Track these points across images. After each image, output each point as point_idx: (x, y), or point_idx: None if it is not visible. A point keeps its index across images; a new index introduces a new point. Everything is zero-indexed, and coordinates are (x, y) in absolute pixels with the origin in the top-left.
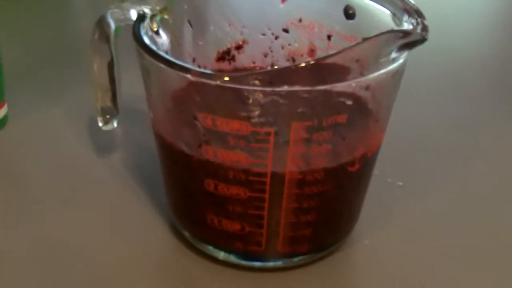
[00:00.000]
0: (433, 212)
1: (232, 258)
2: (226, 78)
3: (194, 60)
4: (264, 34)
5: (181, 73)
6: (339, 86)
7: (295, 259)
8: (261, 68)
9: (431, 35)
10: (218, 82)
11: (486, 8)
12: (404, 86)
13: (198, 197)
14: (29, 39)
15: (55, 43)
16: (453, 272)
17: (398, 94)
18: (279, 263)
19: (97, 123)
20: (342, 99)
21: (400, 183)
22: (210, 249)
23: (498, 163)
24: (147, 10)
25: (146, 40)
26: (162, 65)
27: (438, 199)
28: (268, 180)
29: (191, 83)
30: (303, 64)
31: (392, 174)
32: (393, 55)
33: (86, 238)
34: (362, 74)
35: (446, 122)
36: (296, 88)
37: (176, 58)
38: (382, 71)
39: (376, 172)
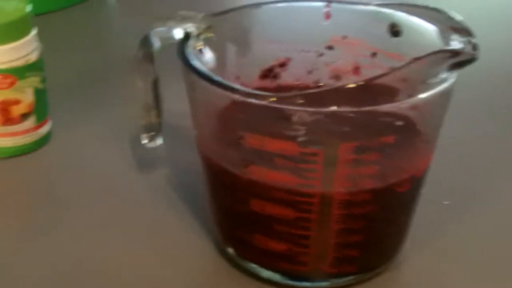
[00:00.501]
0: (480, 231)
1: (277, 278)
2: (273, 99)
3: (237, 78)
4: (307, 52)
5: (228, 93)
6: (388, 107)
7: (342, 280)
8: (304, 85)
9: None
10: (265, 103)
11: None
12: (451, 103)
13: (244, 216)
14: (72, 55)
15: (99, 60)
16: None
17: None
18: (325, 284)
19: (139, 140)
20: (390, 120)
21: (447, 202)
22: (255, 268)
23: None
24: (192, 29)
25: (192, 59)
26: (209, 85)
27: (485, 218)
28: (315, 200)
29: (236, 102)
30: (352, 85)
31: (438, 193)
32: (443, 75)
33: (129, 257)
34: (410, 95)
35: (493, 140)
36: (345, 109)
37: (220, 76)
38: (431, 91)
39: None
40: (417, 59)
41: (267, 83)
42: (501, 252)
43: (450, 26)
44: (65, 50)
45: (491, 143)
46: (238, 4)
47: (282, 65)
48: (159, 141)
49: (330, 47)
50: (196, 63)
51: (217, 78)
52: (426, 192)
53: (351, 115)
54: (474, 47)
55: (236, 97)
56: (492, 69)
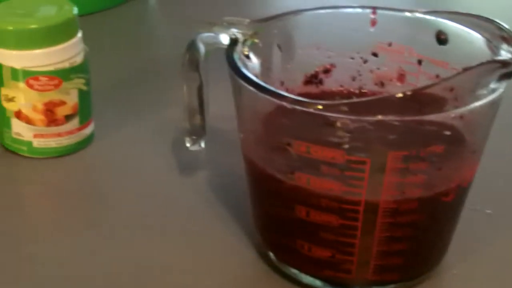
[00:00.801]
0: None
1: (318, 284)
2: (320, 107)
3: (282, 83)
4: (352, 58)
5: (276, 100)
6: (438, 117)
7: None
8: (348, 91)
9: None
10: (312, 110)
11: None
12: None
13: (288, 222)
14: (115, 57)
15: (142, 62)
16: None
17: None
18: None
19: (182, 143)
20: (438, 129)
21: (489, 211)
22: (296, 273)
23: None
24: (239, 35)
25: (240, 65)
26: (256, 91)
27: None
28: (361, 208)
29: (283, 108)
30: (400, 94)
31: (480, 202)
32: (492, 85)
33: (168, 258)
34: (457, 105)
35: None
36: (394, 118)
37: (265, 81)
38: (480, 102)
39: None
40: (466, 69)
41: (311, 88)
42: None
43: (499, 36)
44: (108, 51)
45: None
46: (282, 10)
47: (327, 71)
48: (202, 144)
49: (375, 54)
50: (243, 69)
51: (265, 84)
52: (469, 201)
53: (400, 124)
54: None
55: (284, 104)
56: None
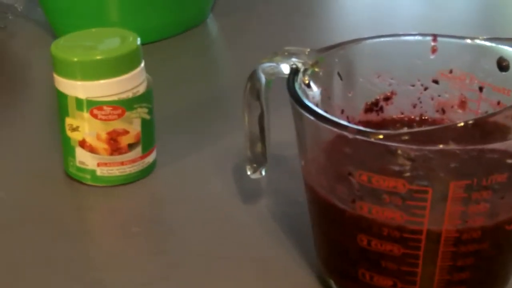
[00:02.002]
0: None
1: None
2: (381, 136)
3: (342, 111)
4: (413, 85)
5: (337, 130)
6: (499, 145)
7: None
8: (409, 119)
9: None
10: (373, 140)
11: None
12: None
13: (350, 251)
14: (178, 86)
15: (204, 91)
16: None
17: None
18: None
19: (244, 171)
20: (501, 157)
21: None
22: None
23: None
24: (299, 65)
25: (300, 94)
26: (317, 121)
27: None
28: (423, 237)
29: (344, 137)
30: (461, 124)
31: None
32: None
33: (229, 285)
34: None
35: None
36: (455, 147)
37: (326, 110)
38: None
39: None
40: None
41: (372, 116)
42: None
43: None
44: (170, 80)
45: None
46: (343, 39)
47: (387, 98)
48: (263, 172)
49: (435, 81)
50: (304, 99)
51: (325, 114)
52: None
53: (462, 152)
54: None
55: (345, 133)
56: None
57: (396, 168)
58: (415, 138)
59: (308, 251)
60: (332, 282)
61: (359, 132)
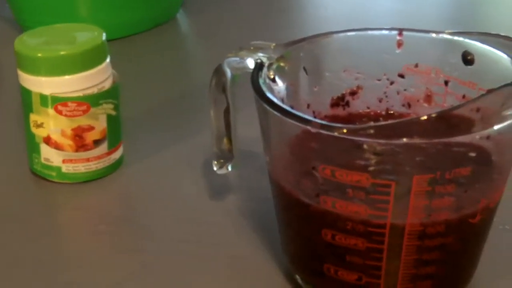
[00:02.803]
0: None
1: None
2: (345, 131)
3: (308, 106)
4: (379, 80)
5: (300, 124)
6: (464, 138)
7: None
8: (375, 113)
9: None
10: (337, 134)
11: None
12: None
13: (315, 246)
14: (147, 82)
15: (173, 88)
16: None
17: None
18: None
19: (211, 167)
20: (465, 150)
21: None
22: None
23: None
24: (264, 59)
25: (265, 89)
26: (281, 115)
27: None
28: (387, 231)
29: (309, 132)
30: (424, 117)
31: (509, 221)
32: None
33: (199, 282)
34: (484, 125)
35: None
36: (418, 141)
37: (292, 105)
38: (506, 123)
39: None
40: (491, 90)
41: (339, 111)
42: None
43: None
44: (139, 76)
45: None
46: (310, 33)
47: (354, 93)
48: (229, 168)
49: (401, 75)
50: (268, 93)
51: (288, 108)
52: (497, 221)
53: (426, 146)
54: None
55: (309, 129)
56: None
57: (360, 162)
58: (378, 133)
59: (276, 248)
60: (298, 278)
61: (322, 126)
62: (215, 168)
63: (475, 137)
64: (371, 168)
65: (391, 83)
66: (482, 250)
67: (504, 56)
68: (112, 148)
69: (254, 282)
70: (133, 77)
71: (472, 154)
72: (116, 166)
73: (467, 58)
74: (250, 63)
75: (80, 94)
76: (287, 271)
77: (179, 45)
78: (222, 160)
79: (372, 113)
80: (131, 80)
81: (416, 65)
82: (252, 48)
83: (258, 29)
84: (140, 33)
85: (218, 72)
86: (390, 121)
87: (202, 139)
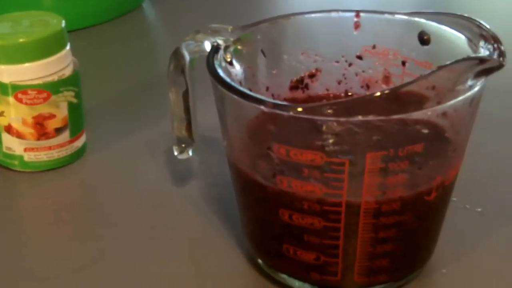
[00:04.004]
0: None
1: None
2: (300, 109)
3: (267, 89)
4: (337, 62)
5: (255, 105)
6: (415, 115)
7: None
8: (334, 95)
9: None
10: (291, 113)
11: None
12: (485, 111)
13: (273, 227)
14: (112, 71)
15: (138, 76)
16: None
17: (480, 119)
18: None
19: (174, 153)
20: (418, 128)
21: (479, 209)
22: (286, 279)
23: None
24: (221, 42)
25: (220, 71)
26: (236, 97)
27: None
28: (343, 210)
29: (264, 113)
30: (378, 94)
31: (470, 201)
32: (470, 82)
33: (162, 267)
34: (439, 102)
35: None
36: (371, 118)
37: (250, 88)
38: (459, 98)
39: (453, 198)
40: (443, 66)
41: (298, 94)
42: None
43: (479, 34)
44: (104, 65)
45: None
46: (270, 16)
47: (312, 75)
48: (190, 152)
49: (360, 57)
50: (222, 74)
51: (243, 89)
52: (458, 200)
53: (379, 124)
54: (501, 54)
55: (263, 108)
56: None
57: (314, 141)
58: (331, 111)
59: (239, 232)
60: (260, 261)
61: (276, 106)
62: (176, 153)
63: (427, 113)
64: (325, 147)
65: (350, 65)
66: (440, 228)
67: (460, 35)
68: (74, 136)
69: (217, 267)
70: (98, 66)
71: (425, 131)
72: (79, 154)
73: (424, 38)
74: (207, 46)
75: (40, 81)
76: (250, 255)
77: (145, 33)
78: (183, 145)
79: (331, 95)
80: (96, 69)
81: (374, 47)
82: (209, 31)
83: (225, 15)
84: (106, 22)
85: (176, 55)
86: (343, 99)
87: (165, 126)
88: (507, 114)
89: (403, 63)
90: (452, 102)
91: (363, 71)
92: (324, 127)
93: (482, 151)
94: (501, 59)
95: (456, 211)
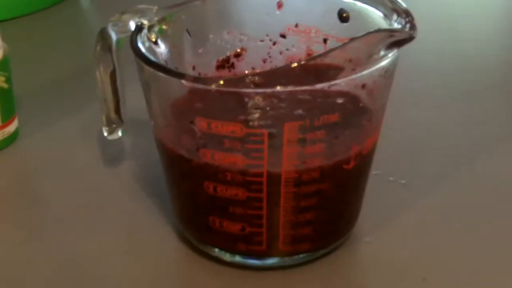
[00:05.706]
0: (434, 209)
1: (237, 259)
2: (221, 82)
3: (194, 68)
4: (262, 41)
5: (176, 79)
6: (331, 85)
7: (296, 257)
8: None
9: (436, 37)
10: (213, 86)
11: (492, 10)
12: (410, 85)
13: (200, 200)
14: (45, 58)
15: (71, 63)
16: (454, 269)
17: (404, 93)
18: (280, 262)
19: (104, 134)
20: (334, 98)
21: (403, 181)
22: (216, 252)
23: (502, 162)
24: (145, 21)
25: (143, 49)
26: (158, 72)
27: (440, 197)
28: (264, 180)
29: (187, 89)
30: (294, 64)
31: (394, 173)
32: (382, 53)
33: (94, 247)
34: (352, 72)
35: (451, 122)
36: (286, 88)
37: (177, 67)
38: (372, 68)
39: (378, 171)
40: (356, 38)
41: (224, 72)
42: (454, 230)
43: (392, 9)
44: (37, 53)
45: (450, 124)
46: None
47: (238, 55)
48: (120, 133)
49: (283, 36)
50: (144, 50)
51: (165, 65)
52: (382, 173)
53: (296, 95)
54: (412, 27)
55: (184, 82)
56: (451, 52)
57: (234, 113)
58: (251, 83)
59: (168, 209)
60: (189, 235)
61: (196, 79)
62: (105, 134)
63: (341, 83)
64: (244, 118)
65: (274, 43)
66: (362, 197)
67: (377, 12)
68: (6, 121)
69: (148, 245)
70: (32, 53)
71: (340, 101)
72: (11, 139)
73: (343, 16)
74: (133, 26)
75: None
76: (181, 233)
77: (80, 20)
78: (112, 125)
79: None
80: (30, 56)
81: (296, 25)
82: (134, 11)
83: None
84: (39, 11)
85: (103, 35)
86: (260, 71)
87: (97, 111)
88: (433, 87)
89: (325, 40)
90: (365, 72)
91: (287, 49)
92: (242, 99)
93: (407, 126)
94: (411, 31)
95: (380, 183)
